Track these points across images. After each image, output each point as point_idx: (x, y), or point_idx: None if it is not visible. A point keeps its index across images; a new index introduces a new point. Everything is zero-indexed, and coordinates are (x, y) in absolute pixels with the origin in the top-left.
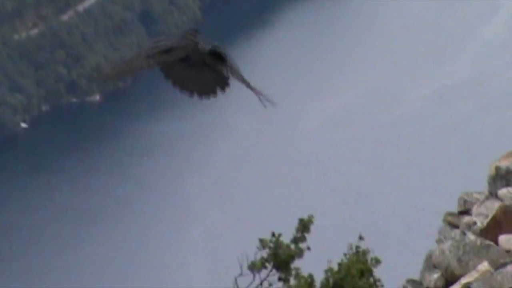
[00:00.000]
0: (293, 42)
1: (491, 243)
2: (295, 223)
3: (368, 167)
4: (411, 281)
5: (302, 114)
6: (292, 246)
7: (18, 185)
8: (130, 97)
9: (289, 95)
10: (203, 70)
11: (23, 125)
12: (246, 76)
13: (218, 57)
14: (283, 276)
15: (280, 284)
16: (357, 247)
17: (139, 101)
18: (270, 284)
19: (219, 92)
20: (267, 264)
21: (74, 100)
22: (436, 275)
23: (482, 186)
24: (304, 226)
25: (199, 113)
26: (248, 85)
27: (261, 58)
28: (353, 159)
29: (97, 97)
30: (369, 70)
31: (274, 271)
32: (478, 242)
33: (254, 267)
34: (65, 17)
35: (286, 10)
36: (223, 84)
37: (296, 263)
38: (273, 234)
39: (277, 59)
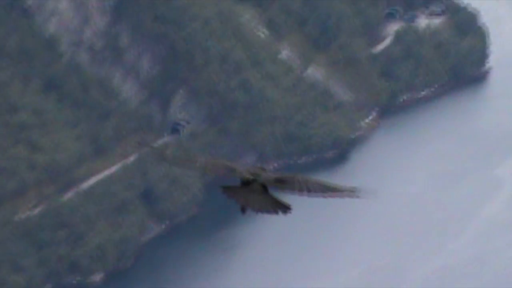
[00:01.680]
0: (294, 222)
1: None
2: None
3: None
4: None
5: None
6: None
7: None
8: (132, 277)
9: (290, 274)
10: (263, 196)
11: None
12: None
13: (283, 183)
14: None
15: None
16: None
17: (141, 281)
18: None
19: (280, 213)
20: None
21: (76, 279)
22: None
23: None
24: None
25: None
26: (332, 190)
27: (262, 238)
28: None
29: (99, 277)
30: (370, 247)
31: None
32: None
33: None
34: (66, 196)
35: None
36: (283, 208)
37: None
38: None
39: (278, 239)
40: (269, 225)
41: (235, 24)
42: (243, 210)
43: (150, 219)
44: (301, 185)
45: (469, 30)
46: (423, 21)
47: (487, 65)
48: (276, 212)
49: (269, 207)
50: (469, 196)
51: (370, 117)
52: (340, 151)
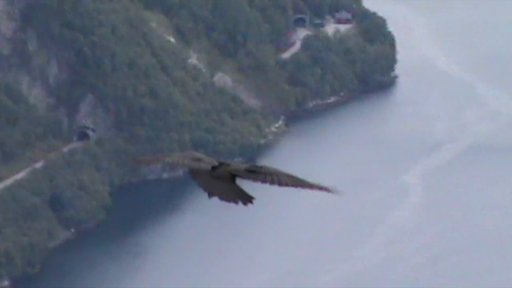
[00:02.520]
0: (202, 227)
1: None
2: None
3: None
4: None
5: None
6: None
7: None
8: (40, 283)
9: (200, 280)
10: (229, 185)
11: None
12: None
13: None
14: None
15: None
16: None
17: (48, 287)
18: None
19: (242, 203)
20: None
21: None
22: None
23: None
24: None
25: None
26: (306, 184)
27: (171, 244)
28: None
29: (6, 282)
30: (280, 253)
31: None
32: None
33: None
34: None
35: (195, 196)
36: (246, 199)
37: None
38: None
39: (186, 244)
40: (178, 229)
41: (143, 30)
42: (209, 195)
43: (58, 225)
44: (272, 177)
45: (376, 37)
46: (331, 28)
47: (394, 72)
48: (238, 202)
49: (232, 196)
50: (376, 202)
51: (278, 124)
52: (248, 157)
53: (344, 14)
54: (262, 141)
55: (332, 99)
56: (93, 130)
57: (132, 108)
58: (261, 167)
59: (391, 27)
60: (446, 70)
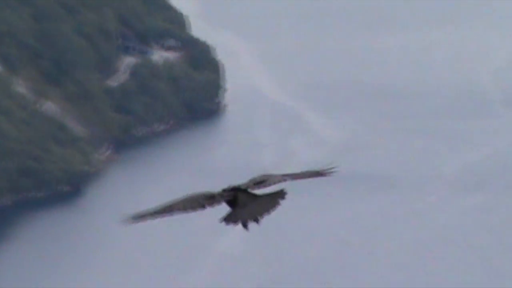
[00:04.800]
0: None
1: None
2: None
3: None
4: None
5: None
6: None
7: None
8: None
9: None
10: (259, 200)
11: None
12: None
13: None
14: None
15: None
16: None
17: None
18: None
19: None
20: None
21: None
22: None
23: None
24: None
25: None
26: (300, 175)
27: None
28: None
29: None
30: (105, 281)
31: None
32: None
33: None
34: None
35: (27, 223)
36: (282, 195)
37: None
38: None
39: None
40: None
41: None
42: (256, 221)
43: None
44: (278, 178)
45: (204, 64)
46: (158, 56)
47: (223, 99)
48: (280, 203)
49: (272, 204)
50: (204, 229)
51: (106, 152)
52: (76, 186)
53: (172, 42)
54: (90, 169)
55: (160, 127)
56: None
57: None
58: (262, 175)
59: (220, 55)
60: (274, 97)
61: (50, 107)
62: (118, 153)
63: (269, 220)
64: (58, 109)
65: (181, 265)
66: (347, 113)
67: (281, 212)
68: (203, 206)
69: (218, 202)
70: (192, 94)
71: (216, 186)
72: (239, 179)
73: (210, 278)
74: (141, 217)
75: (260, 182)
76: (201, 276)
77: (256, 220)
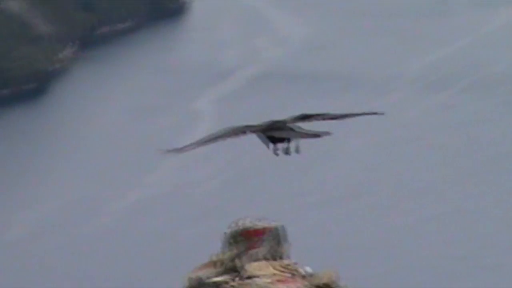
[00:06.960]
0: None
1: None
2: None
3: None
4: None
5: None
6: None
7: None
8: None
9: None
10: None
11: None
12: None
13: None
14: None
15: None
16: None
17: None
18: None
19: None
20: None
21: None
22: None
23: None
24: None
25: None
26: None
27: None
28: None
29: None
30: (70, 181)
31: None
32: None
33: None
34: None
35: None
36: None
37: None
38: None
39: None
40: None
41: None
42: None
43: None
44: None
45: None
46: None
47: None
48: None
49: (311, 132)
50: (166, 129)
51: (70, 50)
52: (39, 84)
53: None
54: (54, 67)
55: (124, 25)
56: None
57: None
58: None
59: None
60: None
61: (14, 5)
62: (82, 51)
63: (235, 117)
64: (21, 6)
65: (146, 162)
66: (313, 12)
67: (246, 110)
68: (243, 132)
69: (256, 130)
70: None
71: (179, 84)
72: (202, 78)
73: (172, 176)
74: (184, 147)
75: (302, 118)
76: (163, 173)
77: (287, 150)
